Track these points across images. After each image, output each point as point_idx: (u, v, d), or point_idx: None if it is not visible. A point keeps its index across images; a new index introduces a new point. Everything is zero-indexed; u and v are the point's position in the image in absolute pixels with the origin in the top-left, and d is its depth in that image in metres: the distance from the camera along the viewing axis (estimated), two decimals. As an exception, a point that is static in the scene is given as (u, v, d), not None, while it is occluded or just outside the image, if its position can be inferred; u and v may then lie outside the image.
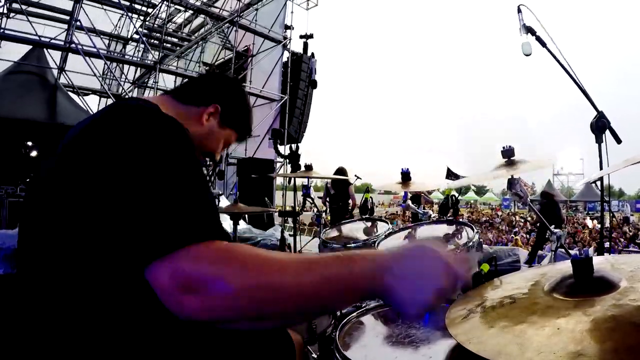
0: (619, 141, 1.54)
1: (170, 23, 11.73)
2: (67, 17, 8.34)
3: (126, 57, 11.14)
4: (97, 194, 0.65)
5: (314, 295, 0.58)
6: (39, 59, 7.49)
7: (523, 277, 0.92)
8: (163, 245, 0.56)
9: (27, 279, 0.74)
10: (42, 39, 7.19)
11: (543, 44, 1.57)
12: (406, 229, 1.99)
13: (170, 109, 0.89)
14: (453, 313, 0.83)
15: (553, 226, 1.49)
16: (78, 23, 7.49)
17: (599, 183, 1.64)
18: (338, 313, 1.62)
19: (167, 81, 12.33)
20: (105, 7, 10.07)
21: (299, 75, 10.42)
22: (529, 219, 18.87)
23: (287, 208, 9.25)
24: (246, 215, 5.57)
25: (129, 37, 11.89)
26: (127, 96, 10.02)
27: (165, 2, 10.10)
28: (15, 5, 8.10)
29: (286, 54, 10.67)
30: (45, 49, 7.55)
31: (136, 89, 12.16)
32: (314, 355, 1.75)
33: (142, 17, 11.14)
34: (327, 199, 6.73)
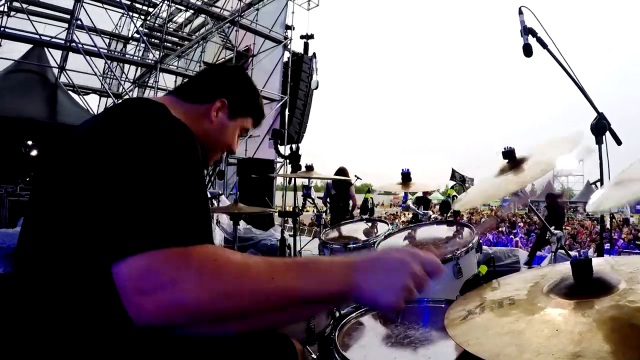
0: (619, 142, 1.54)
1: (171, 22, 11.73)
2: (68, 16, 8.33)
3: (127, 56, 11.14)
4: (92, 190, 0.65)
5: (273, 304, 0.58)
6: (40, 58, 7.49)
7: (522, 278, 0.92)
8: (132, 243, 0.55)
9: (24, 277, 0.74)
10: (43, 37, 7.19)
11: (544, 46, 1.57)
12: (406, 230, 1.99)
13: (178, 109, 0.89)
14: (452, 314, 0.83)
15: (553, 227, 1.49)
16: (79, 22, 7.48)
17: (598, 184, 1.64)
18: (337, 313, 1.62)
19: (168, 81, 12.32)
20: (106, 6, 10.06)
21: (300, 76, 10.42)
22: (527, 219, 18.86)
23: (287, 208, 9.25)
24: (246, 215, 5.57)
25: (129, 36, 11.88)
26: (127, 95, 10.02)
27: (166, 2, 10.10)
28: (15, 4, 8.10)
29: (287, 54, 10.67)
30: (45, 48, 7.55)
31: (137, 89, 12.16)
32: (314, 356, 1.74)
33: (142, 17, 11.14)
34: (328, 200, 6.72)
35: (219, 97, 0.99)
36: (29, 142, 6.47)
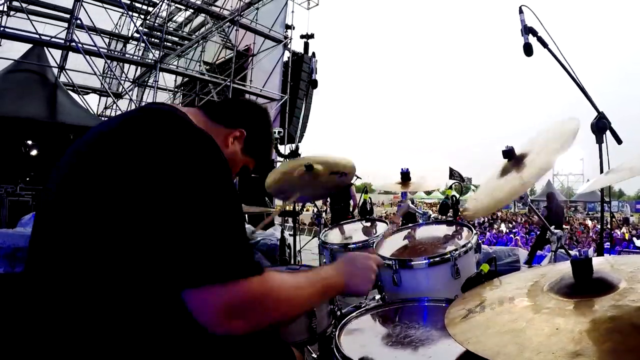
0: (619, 142, 1.53)
1: (170, 22, 11.73)
2: (68, 16, 8.32)
3: (127, 55, 11.14)
4: (139, 205, 0.66)
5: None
6: (39, 58, 7.49)
7: (523, 277, 0.92)
8: (215, 274, 0.64)
9: (43, 281, 0.72)
10: (43, 37, 7.20)
11: (544, 45, 1.57)
12: (406, 229, 1.99)
13: (201, 123, 0.90)
14: (452, 313, 0.83)
15: (553, 227, 1.49)
16: (78, 21, 7.49)
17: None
18: (338, 313, 1.62)
19: (168, 80, 12.33)
20: (105, 5, 10.06)
21: (300, 75, 10.42)
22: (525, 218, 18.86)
23: (287, 208, 9.24)
24: (246, 215, 5.57)
25: (129, 35, 11.87)
26: (127, 95, 10.02)
27: (165, 1, 10.10)
28: (15, 4, 8.10)
29: (287, 54, 10.67)
30: (45, 48, 7.55)
31: (136, 88, 12.15)
32: (314, 355, 1.75)
33: (142, 16, 11.13)
34: (328, 199, 6.71)
35: (241, 127, 1.01)
36: (29, 142, 6.48)
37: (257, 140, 1.07)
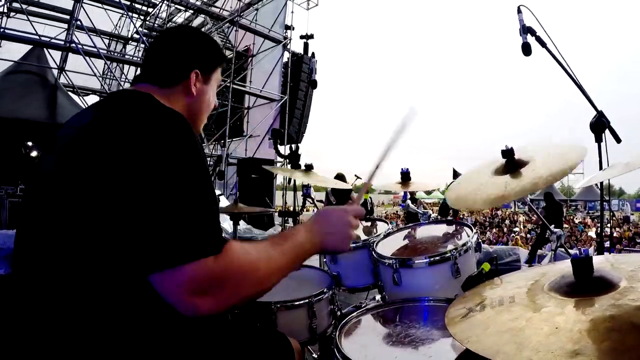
0: (618, 140, 1.53)
1: (170, 23, 11.71)
2: (68, 17, 8.32)
3: (126, 57, 11.12)
4: (108, 195, 0.67)
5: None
6: (39, 59, 7.49)
7: (523, 276, 0.92)
8: (172, 257, 0.65)
9: (26, 279, 0.74)
10: (42, 38, 7.18)
11: (543, 44, 1.57)
12: (405, 229, 1.99)
13: (162, 97, 0.88)
14: (452, 312, 0.83)
15: (553, 226, 1.49)
16: (78, 23, 7.48)
17: (599, 182, 1.64)
18: (338, 313, 1.62)
19: (167, 81, 12.27)
20: (105, 6, 10.05)
21: (299, 76, 10.42)
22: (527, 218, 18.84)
23: (287, 208, 9.25)
24: (246, 215, 5.57)
25: (129, 36, 11.87)
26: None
27: (165, 2, 10.10)
28: (15, 5, 8.10)
29: (286, 54, 10.67)
30: (45, 49, 7.54)
31: (136, 89, 12.11)
32: (314, 355, 1.75)
33: (142, 17, 11.13)
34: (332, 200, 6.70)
35: (191, 69, 0.96)
36: (29, 143, 6.47)
37: (208, 61, 1.01)
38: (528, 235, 15.31)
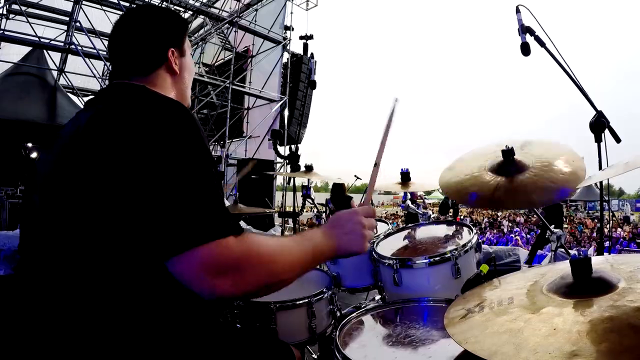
0: (618, 140, 1.53)
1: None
2: (67, 18, 8.33)
3: (126, 58, 11.11)
4: (118, 187, 0.67)
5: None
6: (39, 60, 7.50)
7: (522, 277, 0.92)
8: (192, 238, 0.64)
9: (39, 279, 0.74)
10: (42, 40, 7.19)
11: (542, 44, 1.57)
12: (405, 230, 1.99)
13: (154, 86, 0.89)
14: (452, 313, 0.83)
15: (553, 226, 1.49)
16: (78, 24, 7.49)
17: (598, 182, 1.64)
18: (338, 314, 1.62)
19: (167, 82, 12.28)
20: (105, 8, 10.06)
21: (299, 76, 10.42)
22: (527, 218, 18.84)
23: (287, 208, 9.25)
24: (246, 216, 5.57)
25: (128, 38, 11.86)
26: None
27: (164, 3, 10.10)
28: (15, 7, 8.10)
29: (286, 55, 10.67)
30: (44, 50, 7.56)
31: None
32: (314, 356, 1.75)
33: (141, 18, 11.12)
34: (329, 215, 6.66)
35: (166, 50, 0.95)
36: (29, 145, 6.48)
37: (176, 36, 0.99)
38: (528, 236, 15.30)
